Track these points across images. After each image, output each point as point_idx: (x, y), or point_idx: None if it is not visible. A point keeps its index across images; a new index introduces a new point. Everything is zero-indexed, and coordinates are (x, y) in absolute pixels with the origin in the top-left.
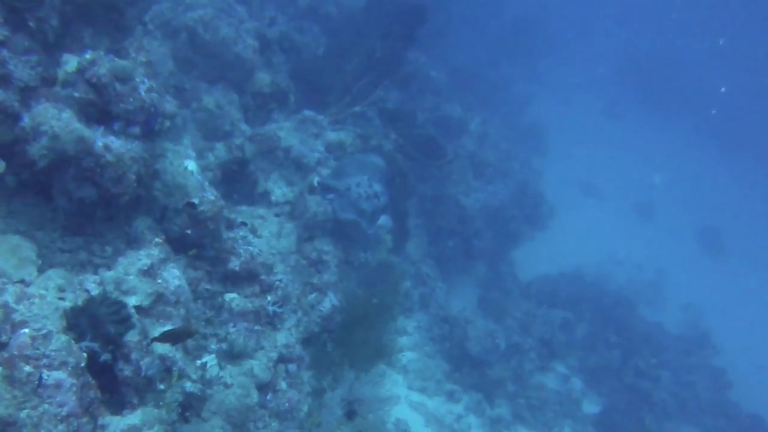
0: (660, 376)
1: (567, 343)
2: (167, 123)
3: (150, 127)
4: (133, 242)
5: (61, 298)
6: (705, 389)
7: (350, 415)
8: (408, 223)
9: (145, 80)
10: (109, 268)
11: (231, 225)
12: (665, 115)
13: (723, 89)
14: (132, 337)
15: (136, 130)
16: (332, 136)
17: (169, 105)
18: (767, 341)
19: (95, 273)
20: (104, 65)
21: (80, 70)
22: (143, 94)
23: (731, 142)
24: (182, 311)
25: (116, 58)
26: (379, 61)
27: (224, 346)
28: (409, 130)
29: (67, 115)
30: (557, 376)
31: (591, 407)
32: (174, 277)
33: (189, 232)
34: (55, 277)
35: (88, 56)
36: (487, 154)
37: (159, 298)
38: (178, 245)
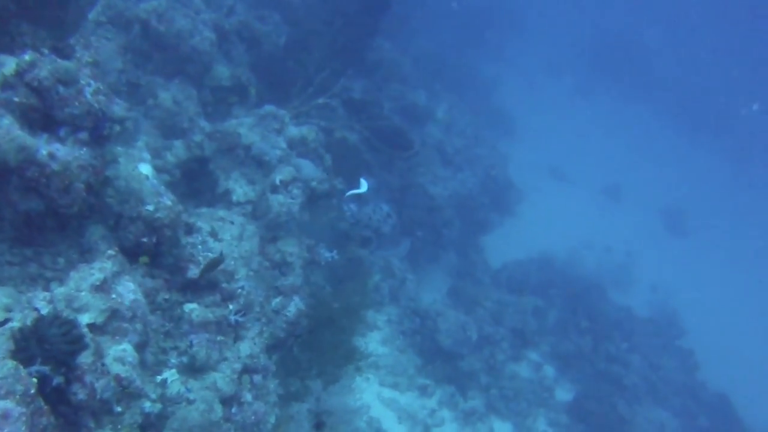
0: (631, 360)
1: (539, 331)
2: (117, 127)
3: (99, 132)
4: (87, 252)
5: (7, 319)
6: (674, 371)
7: (319, 426)
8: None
9: (92, 82)
10: (61, 281)
11: (190, 230)
12: (630, 96)
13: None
14: (86, 358)
15: (84, 135)
16: (294, 131)
17: (119, 108)
18: (730, 318)
19: (47, 286)
20: (45, 67)
21: (19, 73)
22: (89, 97)
23: (692, 121)
24: (139, 326)
25: (58, 59)
26: (342, 50)
27: (185, 359)
28: (374, 122)
29: (7, 121)
30: (530, 364)
31: (564, 394)
32: (129, 290)
33: (145, 240)
34: (1, 295)
35: (27, 57)
36: (454, 141)
37: (114, 314)
38: (134, 254)
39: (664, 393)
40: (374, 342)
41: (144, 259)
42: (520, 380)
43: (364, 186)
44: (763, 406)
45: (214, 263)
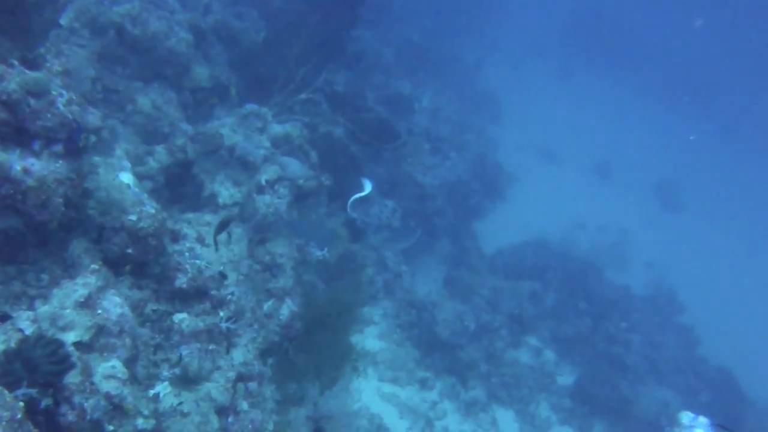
0: (631, 339)
1: (537, 315)
2: (93, 138)
3: (74, 143)
4: (71, 267)
5: None
6: (674, 348)
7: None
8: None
9: (64, 92)
10: (45, 298)
11: (176, 237)
12: (615, 73)
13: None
14: (73, 377)
15: (59, 148)
16: (278, 129)
17: (93, 117)
18: (728, 292)
19: (31, 304)
20: (14, 80)
21: None
22: (62, 108)
23: (679, 95)
24: (127, 341)
25: (27, 71)
26: (322, 43)
27: (177, 371)
28: (358, 114)
29: None
30: (530, 349)
31: (565, 378)
32: (115, 305)
33: (130, 251)
34: None
35: None
36: (441, 129)
37: (100, 330)
38: (120, 266)
39: (665, 371)
40: (371, 337)
41: (127, 267)
42: (520, 366)
43: (367, 187)
44: (766, 377)
45: (226, 221)
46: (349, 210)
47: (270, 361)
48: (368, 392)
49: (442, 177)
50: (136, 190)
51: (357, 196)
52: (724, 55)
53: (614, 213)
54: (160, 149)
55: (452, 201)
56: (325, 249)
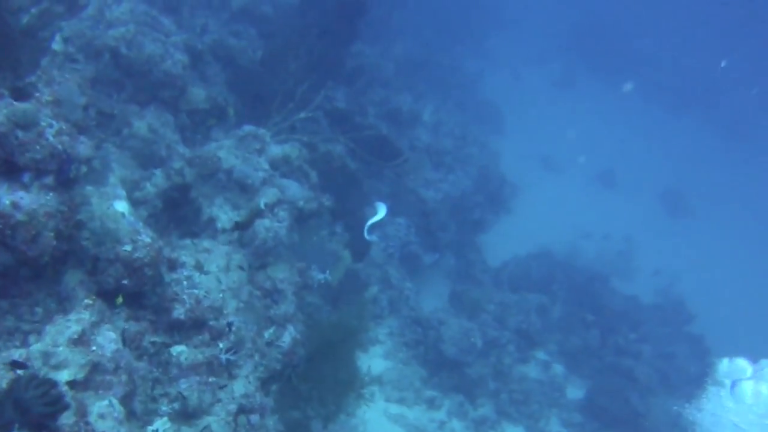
0: (641, 351)
1: (544, 328)
2: (84, 168)
3: (65, 174)
4: (65, 300)
5: None
6: (686, 359)
7: None
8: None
9: (53, 122)
10: (39, 333)
11: (174, 265)
12: (615, 80)
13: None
14: (67, 419)
15: (49, 180)
16: (276, 150)
17: (84, 147)
18: (737, 298)
19: (25, 340)
20: (0, 112)
21: None
22: (52, 138)
23: (679, 101)
24: (124, 377)
25: (15, 102)
26: (321, 60)
27: (177, 405)
28: (359, 132)
29: None
30: (538, 364)
31: (575, 392)
32: (110, 340)
33: (126, 282)
34: None
35: None
36: (443, 142)
37: (95, 367)
38: (115, 298)
39: (677, 382)
40: (377, 357)
41: (119, 299)
42: (529, 382)
43: (382, 211)
44: None
45: (253, 215)
46: (366, 235)
47: (273, 387)
48: (375, 415)
49: (445, 191)
50: (131, 218)
51: (372, 220)
52: (729, 59)
53: (620, 221)
54: (157, 173)
55: (456, 215)
56: (327, 272)
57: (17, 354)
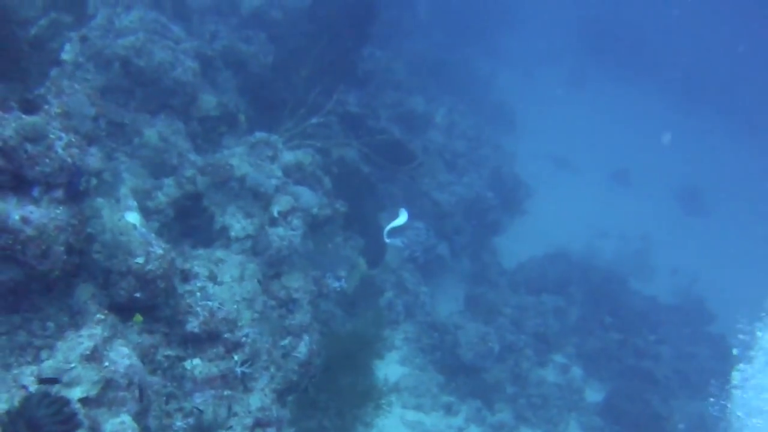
0: (660, 352)
1: (562, 331)
2: (94, 181)
3: (74, 187)
4: (77, 314)
5: None
6: (707, 360)
7: None
8: (382, 237)
9: (62, 135)
10: (51, 348)
11: (187, 276)
12: (628, 78)
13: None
14: None
15: (59, 194)
16: (289, 157)
17: (94, 159)
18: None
19: (37, 356)
20: (9, 125)
21: None
22: (61, 151)
23: (694, 97)
24: (137, 393)
25: (23, 115)
26: (332, 64)
27: (191, 420)
28: (372, 137)
29: None
30: (556, 367)
31: (594, 395)
32: (123, 356)
33: (138, 295)
34: None
35: None
36: (457, 144)
37: (108, 384)
38: (129, 310)
39: (698, 384)
40: (393, 363)
41: (138, 318)
42: (547, 386)
43: (403, 216)
44: None
45: None
46: (386, 239)
47: (289, 399)
48: (391, 422)
49: (459, 194)
50: (143, 230)
51: (393, 224)
52: (744, 54)
53: (636, 220)
54: (168, 182)
55: (470, 217)
56: (342, 279)
57: (29, 371)
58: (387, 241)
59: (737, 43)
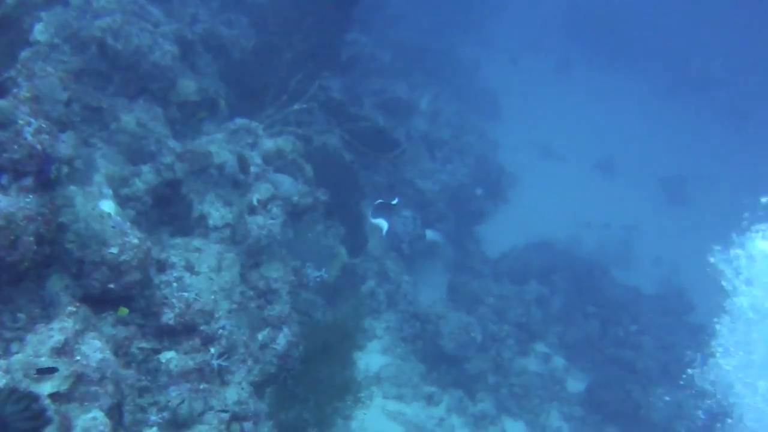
0: (641, 342)
1: (544, 320)
2: (65, 168)
3: (45, 175)
4: (49, 306)
5: None
6: (686, 349)
7: None
8: (364, 225)
9: (32, 120)
10: (21, 341)
11: (163, 266)
12: (616, 65)
13: None
14: None
15: (29, 181)
16: (269, 144)
17: (65, 146)
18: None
19: (7, 348)
20: None
21: None
22: (30, 138)
23: (678, 84)
24: (110, 387)
25: None
26: (315, 49)
27: (166, 414)
28: (355, 124)
29: None
30: (538, 356)
31: (576, 384)
32: (95, 349)
33: (112, 286)
34: None
35: None
36: (441, 132)
37: (79, 378)
38: (102, 302)
39: (678, 373)
40: (374, 352)
41: (123, 311)
42: (529, 376)
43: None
44: None
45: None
46: (370, 218)
47: (268, 391)
48: (372, 412)
49: (443, 182)
50: (118, 219)
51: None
52: (729, 43)
53: (619, 209)
54: (146, 169)
55: (454, 206)
56: (323, 269)
57: None
58: (371, 220)
59: (721, 30)
